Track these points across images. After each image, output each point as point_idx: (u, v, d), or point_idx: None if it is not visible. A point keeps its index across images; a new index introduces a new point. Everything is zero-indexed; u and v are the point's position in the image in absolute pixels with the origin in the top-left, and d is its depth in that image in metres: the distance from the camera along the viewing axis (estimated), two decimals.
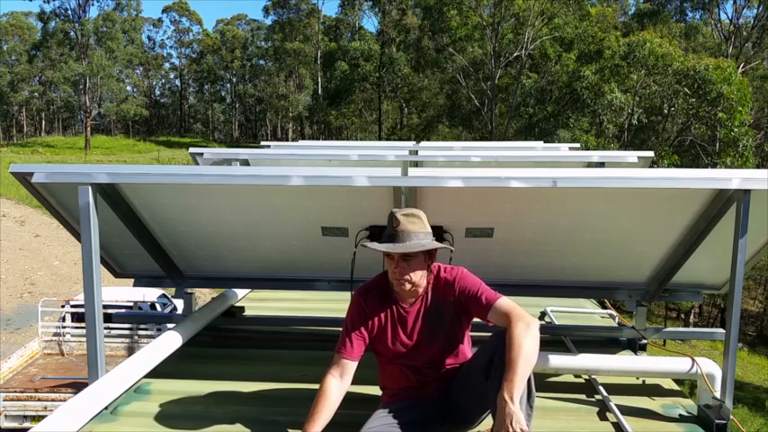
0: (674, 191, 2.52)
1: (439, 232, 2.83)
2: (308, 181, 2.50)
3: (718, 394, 2.53)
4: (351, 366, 2.21)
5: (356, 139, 38.77)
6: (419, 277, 2.19)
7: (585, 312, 4.10)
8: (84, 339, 4.27)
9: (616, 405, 2.58)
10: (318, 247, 3.03)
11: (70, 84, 50.75)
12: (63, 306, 9.47)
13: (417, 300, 2.26)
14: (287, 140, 32.67)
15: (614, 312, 4.02)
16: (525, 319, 2.01)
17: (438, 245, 2.21)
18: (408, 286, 2.19)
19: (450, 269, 2.28)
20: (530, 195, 2.59)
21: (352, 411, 2.26)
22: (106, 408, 2.48)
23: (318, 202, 2.75)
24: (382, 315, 2.26)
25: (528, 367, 1.92)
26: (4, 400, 7.38)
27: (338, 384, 2.17)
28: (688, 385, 10.76)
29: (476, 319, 2.39)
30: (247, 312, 3.68)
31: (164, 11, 69.02)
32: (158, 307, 9.73)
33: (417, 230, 2.15)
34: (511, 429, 1.79)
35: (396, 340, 2.26)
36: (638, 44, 22.80)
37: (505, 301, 2.13)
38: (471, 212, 2.75)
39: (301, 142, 6.03)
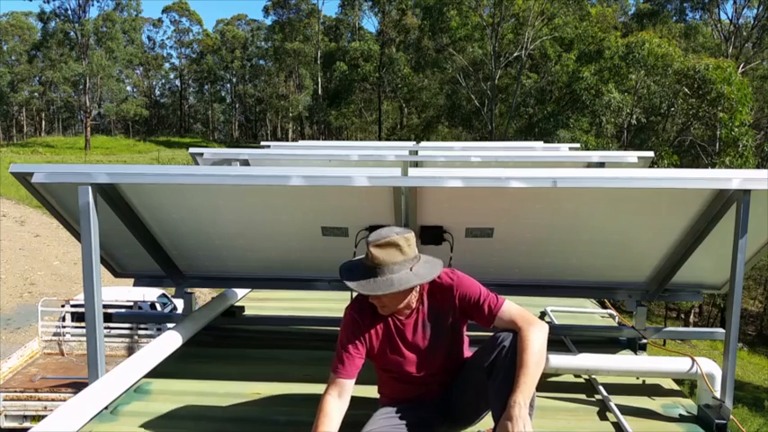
0: (675, 191, 2.52)
1: (439, 232, 2.83)
2: (308, 181, 2.50)
3: (718, 394, 2.53)
4: (349, 385, 2.11)
5: (356, 139, 38.80)
6: (402, 303, 2.09)
7: (585, 312, 4.10)
8: (84, 339, 4.27)
9: (616, 405, 2.58)
10: (318, 247, 3.02)
11: (70, 84, 50.71)
12: (63, 306, 9.47)
13: (413, 312, 2.16)
14: (287, 140, 32.69)
15: (614, 312, 4.02)
16: (535, 323, 1.99)
17: (412, 282, 1.99)
18: (387, 311, 2.12)
19: (444, 275, 2.15)
20: (530, 195, 2.59)
21: (352, 411, 2.26)
22: (106, 408, 2.48)
23: (318, 202, 2.75)
24: (379, 329, 2.16)
25: (539, 371, 1.90)
26: (4, 400, 7.39)
27: (338, 405, 2.06)
28: (688, 385, 10.76)
29: None
30: (247, 312, 3.68)
31: (164, 11, 69.13)
32: (158, 307, 9.73)
33: (394, 261, 1.98)
34: None
35: (395, 353, 2.19)
36: (638, 44, 22.81)
37: (509, 307, 2.06)
38: (471, 212, 2.74)
39: (301, 142, 6.02)
